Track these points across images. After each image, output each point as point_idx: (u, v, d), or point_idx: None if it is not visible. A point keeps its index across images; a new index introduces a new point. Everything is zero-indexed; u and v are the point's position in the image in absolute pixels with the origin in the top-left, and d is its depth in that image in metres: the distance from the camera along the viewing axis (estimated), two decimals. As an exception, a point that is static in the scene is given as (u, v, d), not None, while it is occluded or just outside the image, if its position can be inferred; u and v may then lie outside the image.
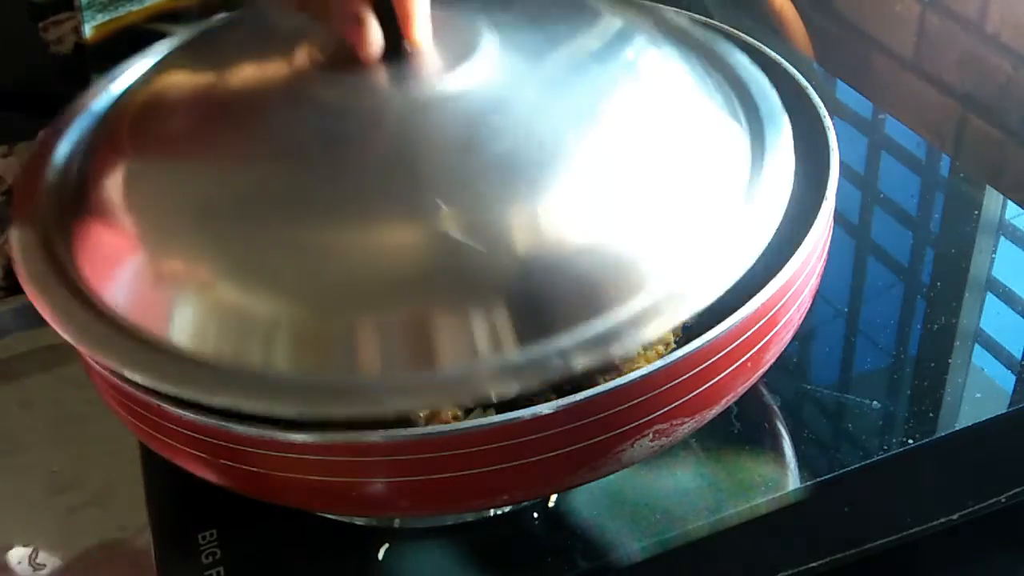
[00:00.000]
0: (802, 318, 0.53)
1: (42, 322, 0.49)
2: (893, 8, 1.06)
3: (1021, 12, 0.92)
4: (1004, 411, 0.58)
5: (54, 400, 0.88)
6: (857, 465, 0.56)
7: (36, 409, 0.88)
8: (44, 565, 0.76)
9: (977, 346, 0.63)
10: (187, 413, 0.46)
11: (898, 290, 0.69)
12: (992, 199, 0.75)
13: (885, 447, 0.57)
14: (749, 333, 0.47)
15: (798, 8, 1.10)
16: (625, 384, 0.44)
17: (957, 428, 0.58)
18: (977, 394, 0.60)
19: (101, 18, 1.10)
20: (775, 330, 0.50)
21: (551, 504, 0.56)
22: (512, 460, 0.45)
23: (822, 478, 0.56)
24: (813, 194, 0.55)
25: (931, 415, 0.58)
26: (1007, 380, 0.61)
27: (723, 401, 0.49)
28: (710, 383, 0.47)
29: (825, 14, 1.17)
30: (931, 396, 0.60)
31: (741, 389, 0.50)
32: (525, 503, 0.56)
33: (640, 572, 0.54)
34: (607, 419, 0.45)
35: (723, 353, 0.47)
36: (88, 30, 1.09)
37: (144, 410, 0.49)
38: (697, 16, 0.66)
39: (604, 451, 0.46)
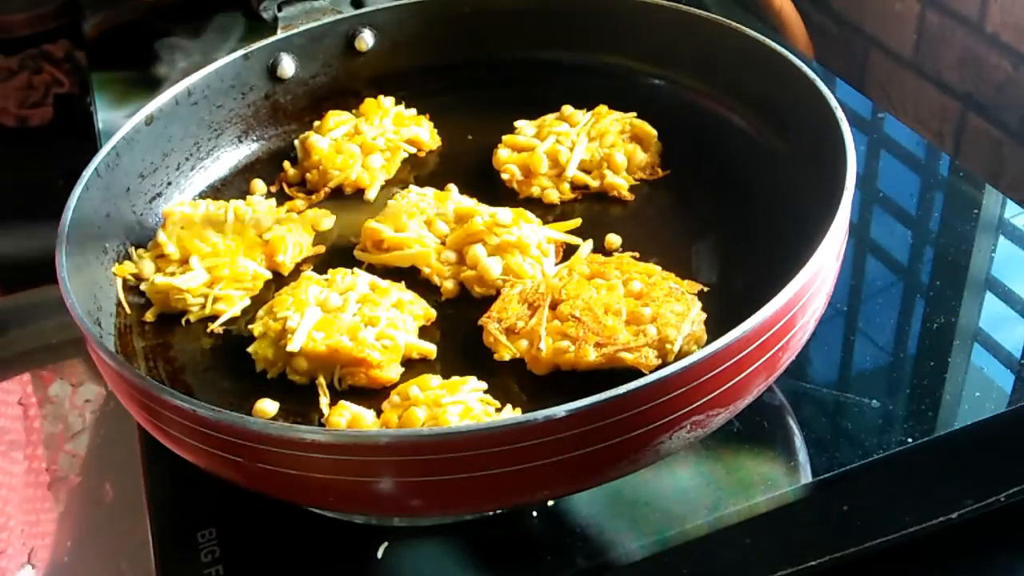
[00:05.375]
0: (825, 306, 0.54)
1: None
2: (893, 7, 1.06)
3: (1021, 12, 0.92)
4: (1003, 410, 0.58)
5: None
6: (856, 464, 0.56)
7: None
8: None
9: (976, 345, 0.63)
10: (202, 409, 0.46)
11: (897, 289, 0.69)
12: (992, 199, 0.75)
13: (884, 446, 0.57)
14: (783, 321, 0.48)
15: (798, 8, 1.10)
16: (664, 378, 0.45)
17: (956, 427, 0.58)
18: (976, 393, 0.60)
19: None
20: (804, 318, 0.51)
21: (551, 503, 0.56)
22: (553, 456, 0.45)
23: (821, 477, 0.56)
24: (828, 189, 0.56)
25: (930, 414, 0.59)
26: (1006, 379, 0.61)
27: (756, 390, 0.50)
28: (744, 373, 0.48)
29: (825, 14, 1.17)
30: (930, 395, 0.60)
31: (772, 377, 0.51)
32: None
33: (639, 571, 0.54)
34: (647, 412, 0.45)
35: (757, 343, 0.47)
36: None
37: (159, 406, 0.49)
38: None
39: (643, 444, 0.47)
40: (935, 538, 0.59)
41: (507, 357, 0.57)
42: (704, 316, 0.58)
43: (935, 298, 0.67)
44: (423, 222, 0.66)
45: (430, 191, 0.69)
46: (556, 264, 0.64)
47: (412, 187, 0.70)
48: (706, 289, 0.60)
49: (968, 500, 0.59)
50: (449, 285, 0.64)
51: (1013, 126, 0.96)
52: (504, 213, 0.64)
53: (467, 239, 0.64)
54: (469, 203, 0.68)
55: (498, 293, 0.62)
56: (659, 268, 0.61)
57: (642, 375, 0.45)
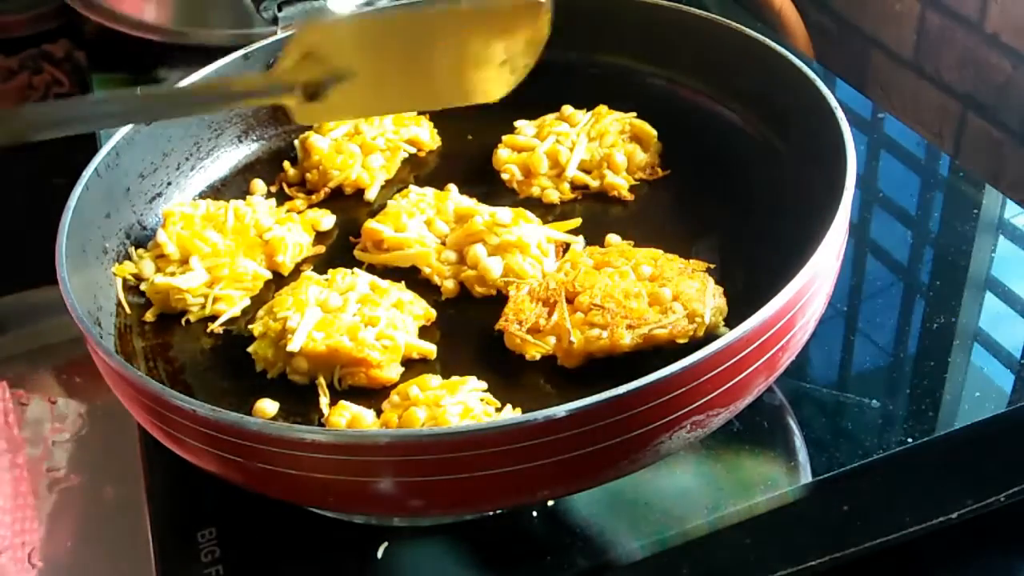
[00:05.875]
0: (825, 306, 0.54)
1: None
2: (893, 7, 1.06)
3: (1021, 12, 0.92)
4: (1003, 410, 0.58)
5: (52, 398, 0.88)
6: (856, 464, 0.56)
7: (35, 407, 0.88)
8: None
9: (976, 345, 0.63)
10: (202, 409, 0.46)
11: (897, 289, 0.69)
12: (992, 199, 0.75)
13: (884, 446, 0.57)
14: (783, 321, 0.49)
15: (798, 8, 1.10)
16: (664, 377, 0.45)
17: (956, 427, 0.58)
18: (976, 393, 0.60)
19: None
20: (805, 318, 0.51)
21: (551, 503, 0.56)
22: (553, 456, 0.45)
23: (821, 477, 0.56)
24: (828, 189, 0.56)
25: (930, 414, 0.59)
26: (1006, 379, 0.61)
27: (756, 390, 0.50)
28: (744, 373, 0.48)
29: (825, 14, 1.17)
30: (930, 395, 0.60)
31: (772, 377, 0.51)
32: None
33: (639, 571, 0.54)
34: (647, 412, 0.45)
35: (757, 343, 0.48)
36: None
37: (159, 406, 0.49)
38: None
39: (644, 444, 0.47)
40: (935, 538, 0.59)
41: (538, 356, 0.57)
42: (721, 289, 0.58)
43: (935, 298, 0.67)
44: (423, 222, 0.66)
45: (430, 191, 0.69)
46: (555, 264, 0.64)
47: (412, 187, 0.70)
48: (712, 266, 0.61)
49: (968, 500, 0.59)
50: (449, 285, 0.64)
51: (1013, 126, 0.96)
52: (504, 213, 0.64)
53: (467, 239, 0.64)
54: (469, 203, 0.68)
55: (499, 294, 0.62)
56: (661, 251, 0.61)
57: (642, 375, 0.45)
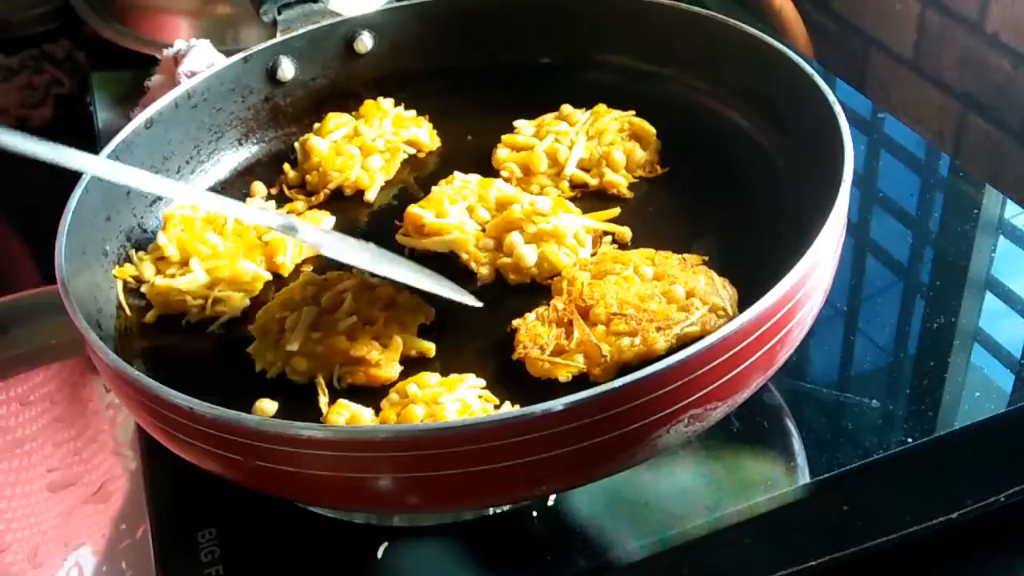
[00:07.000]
0: (823, 302, 0.54)
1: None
2: (893, 7, 1.06)
3: (1021, 12, 0.92)
4: (1003, 410, 0.58)
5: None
6: (856, 464, 0.56)
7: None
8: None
9: (976, 345, 0.63)
10: (200, 407, 0.46)
11: (897, 289, 0.69)
12: (992, 199, 0.75)
13: (884, 446, 0.57)
14: (780, 314, 0.48)
15: (798, 8, 1.10)
16: (662, 370, 0.45)
17: (956, 427, 0.58)
18: (976, 393, 0.60)
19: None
20: (802, 312, 0.51)
21: (550, 503, 0.56)
22: (550, 450, 0.45)
23: (821, 477, 0.56)
24: (828, 188, 0.56)
25: (930, 414, 0.59)
26: (1006, 379, 0.61)
27: (754, 384, 0.50)
28: (742, 366, 0.48)
29: (825, 14, 1.17)
30: (930, 395, 0.60)
31: (770, 372, 0.51)
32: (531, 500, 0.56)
33: (639, 571, 0.54)
34: (645, 405, 0.45)
35: (755, 336, 0.47)
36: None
37: (158, 406, 0.49)
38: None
39: (641, 437, 0.47)
40: (935, 538, 0.59)
41: (570, 377, 0.56)
42: (726, 279, 0.58)
43: (935, 298, 0.67)
44: (465, 208, 0.66)
45: (475, 178, 0.69)
46: (592, 254, 0.64)
47: (457, 173, 0.69)
48: (707, 258, 0.61)
49: (968, 500, 0.59)
50: (485, 271, 0.64)
51: (1013, 126, 0.96)
52: (543, 201, 0.64)
53: (505, 226, 0.64)
54: (512, 191, 0.68)
55: (533, 282, 0.62)
56: (652, 249, 0.61)
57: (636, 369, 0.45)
